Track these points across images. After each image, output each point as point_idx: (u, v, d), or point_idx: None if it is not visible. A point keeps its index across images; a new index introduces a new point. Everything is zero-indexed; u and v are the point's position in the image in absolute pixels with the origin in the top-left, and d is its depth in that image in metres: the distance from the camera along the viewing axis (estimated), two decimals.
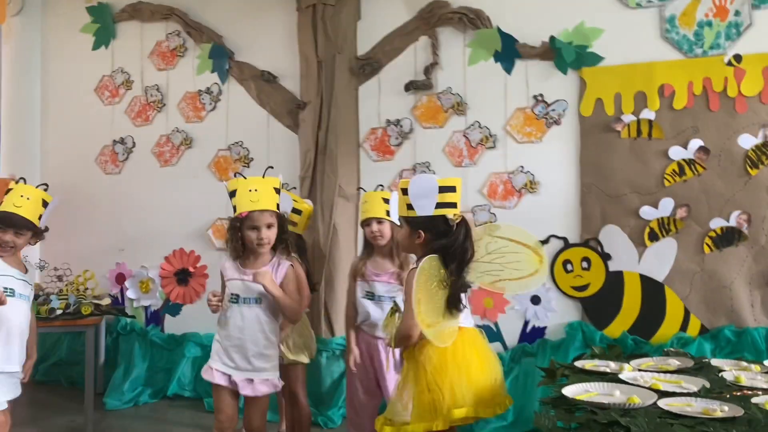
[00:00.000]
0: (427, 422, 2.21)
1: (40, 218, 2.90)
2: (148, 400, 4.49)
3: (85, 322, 4.06)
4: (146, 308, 4.80)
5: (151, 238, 4.83)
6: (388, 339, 2.44)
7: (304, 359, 3.31)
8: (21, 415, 3.59)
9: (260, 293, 2.68)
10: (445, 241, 2.29)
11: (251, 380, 2.68)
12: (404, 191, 2.37)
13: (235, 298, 2.70)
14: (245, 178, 2.75)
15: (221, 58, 4.67)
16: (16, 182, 2.88)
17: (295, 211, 3.37)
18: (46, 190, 2.90)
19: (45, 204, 2.91)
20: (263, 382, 2.69)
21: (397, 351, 2.86)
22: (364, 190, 3.33)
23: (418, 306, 2.13)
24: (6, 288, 2.75)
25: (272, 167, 2.98)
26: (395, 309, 2.43)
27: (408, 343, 2.26)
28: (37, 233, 2.91)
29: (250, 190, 2.68)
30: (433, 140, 4.20)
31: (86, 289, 4.60)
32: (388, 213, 3.08)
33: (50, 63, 5.24)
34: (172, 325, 4.72)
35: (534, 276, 2.55)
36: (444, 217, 2.32)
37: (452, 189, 2.33)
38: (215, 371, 2.71)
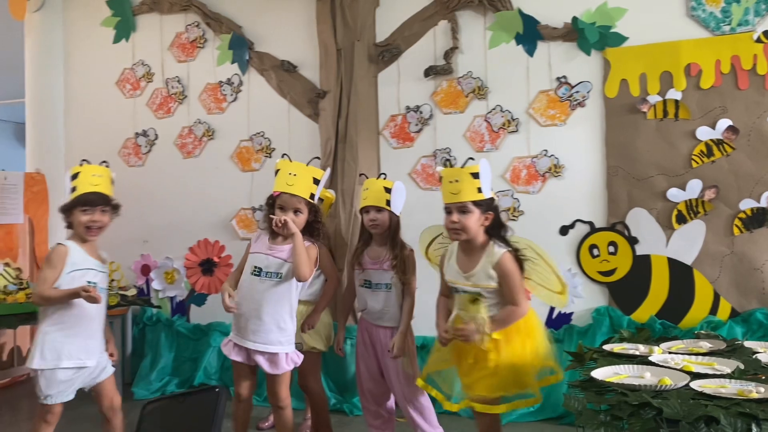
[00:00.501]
0: (531, 386, 2.51)
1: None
2: (175, 390, 4.53)
3: (112, 312, 4.10)
4: (172, 299, 4.84)
5: (176, 229, 4.86)
6: (478, 327, 2.45)
7: (321, 347, 3.32)
8: None
9: (281, 270, 2.77)
10: (499, 220, 2.59)
11: (268, 354, 2.74)
12: (474, 175, 2.51)
13: (258, 271, 2.78)
14: (291, 161, 2.88)
15: (241, 49, 4.67)
16: (80, 165, 2.89)
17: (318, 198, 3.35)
18: (107, 167, 2.97)
19: (112, 181, 3.00)
20: (281, 357, 2.77)
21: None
22: (366, 177, 3.30)
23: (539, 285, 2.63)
24: (90, 282, 2.70)
25: (287, 155, 2.99)
26: (476, 297, 2.50)
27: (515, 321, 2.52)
28: (115, 209, 2.96)
29: (289, 174, 2.82)
30: (454, 125, 4.16)
31: (112, 280, 4.65)
32: (388, 203, 3.05)
33: (72, 57, 5.28)
34: (197, 315, 4.75)
35: (555, 295, 2.67)
36: (493, 198, 2.62)
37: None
38: (233, 345, 2.81)
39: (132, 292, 4.44)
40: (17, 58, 5.39)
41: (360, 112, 4.26)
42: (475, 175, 2.54)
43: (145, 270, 4.90)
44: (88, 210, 2.76)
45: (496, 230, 2.60)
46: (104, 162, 2.98)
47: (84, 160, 2.96)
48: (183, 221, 4.84)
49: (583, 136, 3.90)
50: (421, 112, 4.23)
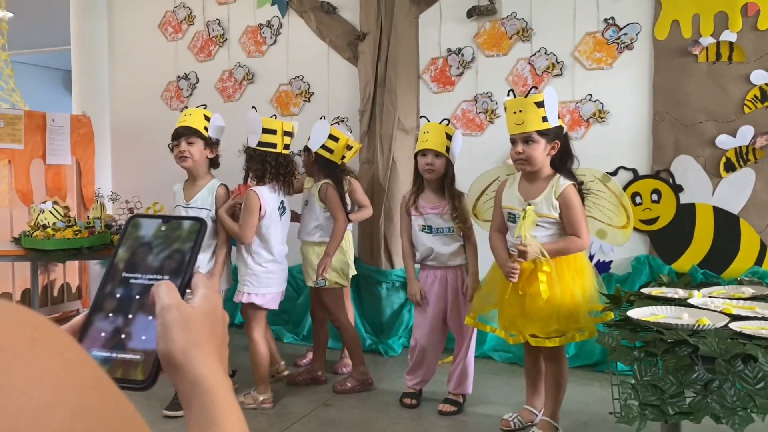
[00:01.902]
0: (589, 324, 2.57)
1: (206, 130, 3.30)
2: None
3: None
4: None
5: (216, 172, 4.91)
6: (525, 244, 2.52)
7: (344, 282, 3.38)
8: None
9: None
10: (565, 149, 2.61)
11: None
12: (539, 104, 2.53)
13: None
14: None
15: None
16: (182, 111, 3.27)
17: (332, 137, 3.34)
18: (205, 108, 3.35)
19: (207, 119, 3.31)
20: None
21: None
22: (428, 120, 3.24)
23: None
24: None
25: (255, 107, 3.56)
26: (529, 204, 2.58)
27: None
28: (208, 142, 3.28)
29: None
30: (496, 69, 4.07)
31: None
32: (447, 150, 3.02)
33: (115, 2, 5.31)
34: None
35: (617, 231, 2.67)
36: (561, 126, 2.62)
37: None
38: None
39: None
40: (63, 7, 5.45)
41: (400, 55, 4.19)
42: (540, 104, 2.53)
43: None
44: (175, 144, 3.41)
45: (564, 161, 2.62)
46: (202, 105, 3.49)
47: (185, 106, 3.21)
48: (224, 164, 4.88)
49: (630, 80, 3.78)
50: (462, 55, 4.15)
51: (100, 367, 0.31)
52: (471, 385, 3.16)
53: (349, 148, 3.49)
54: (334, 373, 3.67)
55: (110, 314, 0.59)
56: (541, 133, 2.55)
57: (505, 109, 2.66)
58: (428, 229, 3.09)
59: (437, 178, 3.05)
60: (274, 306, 3.23)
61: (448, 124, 3.11)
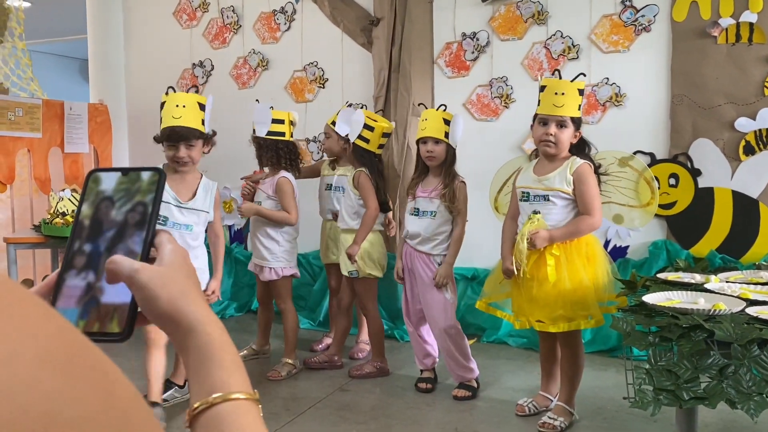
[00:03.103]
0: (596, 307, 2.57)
1: (203, 123, 2.77)
2: (234, 314, 4.72)
3: None
4: (230, 227, 4.98)
5: (232, 159, 4.94)
6: (530, 240, 2.55)
7: (377, 273, 3.39)
8: None
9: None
10: (583, 138, 2.66)
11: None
12: (581, 92, 2.59)
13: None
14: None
15: None
16: (166, 93, 2.76)
17: (367, 126, 3.35)
18: (197, 92, 2.77)
19: (202, 107, 2.79)
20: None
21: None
22: (426, 107, 3.26)
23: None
24: (162, 216, 2.53)
25: (258, 100, 3.47)
26: (536, 212, 2.59)
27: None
28: (206, 139, 2.79)
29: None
30: (512, 53, 4.03)
31: None
32: (446, 135, 3.02)
33: None
34: None
35: (638, 211, 2.69)
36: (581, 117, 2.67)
37: None
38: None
39: None
40: None
41: (414, 40, 4.17)
42: (581, 92, 2.57)
43: None
44: (171, 145, 2.89)
45: (581, 147, 2.66)
46: (193, 88, 3.35)
47: (170, 87, 2.96)
48: (239, 152, 4.90)
49: (647, 63, 3.73)
50: (477, 39, 4.11)
51: (64, 318, 0.31)
52: (474, 371, 3.13)
53: (384, 135, 3.48)
54: (350, 358, 3.70)
55: (81, 271, 0.60)
56: (573, 119, 2.59)
57: (542, 88, 2.64)
58: (416, 211, 3.14)
59: (439, 164, 3.06)
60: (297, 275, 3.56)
61: (445, 109, 3.10)
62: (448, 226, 3.08)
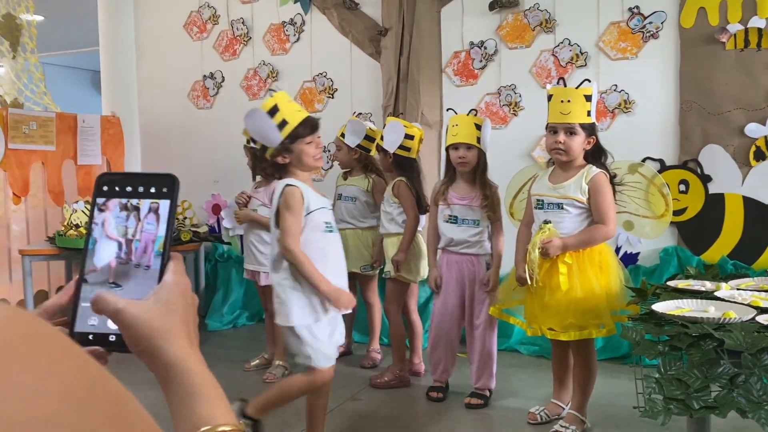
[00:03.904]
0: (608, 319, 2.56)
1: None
2: (246, 323, 4.75)
3: (185, 248, 4.30)
4: (241, 237, 5.01)
5: (244, 169, 4.96)
6: (539, 249, 2.55)
7: (409, 277, 3.43)
8: None
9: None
10: (599, 144, 2.64)
11: None
12: (588, 98, 2.57)
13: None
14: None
15: None
16: (269, 95, 2.80)
17: (408, 136, 3.38)
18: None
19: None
20: None
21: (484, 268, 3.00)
22: (455, 112, 3.25)
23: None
24: (326, 223, 2.38)
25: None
26: (547, 222, 2.59)
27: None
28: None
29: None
30: (520, 61, 4.05)
31: (185, 218, 4.85)
32: (478, 140, 3.03)
33: (142, 2, 5.39)
34: None
35: (652, 222, 2.67)
36: (595, 123, 2.66)
37: None
38: None
39: (203, 229, 4.63)
40: (91, 8, 5.54)
41: (422, 49, 4.19)
42: (588, 98, 2.56)
43: (216, 209, 5.08)
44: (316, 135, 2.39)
45: (597, 155, 2.65)
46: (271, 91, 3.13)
47: (270, 89, 3.01)
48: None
49: (656, 69, 3.73)
50: (485, 48, 4.13)
51: (86, 353, 0.33)
52: (494, 380, 3.15)
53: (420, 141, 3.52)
54: (361, 366, 3.72)
55: (96, 284, 0.61)
56: (583, 126, 2.57)
57: (549, 96, 2.65)
58: (453, 219, 3.11)
59: (471, 169, 3.07)
60: None
61: (476, 114, 3.11)
62: (487, 231, 3.11)
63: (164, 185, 0.63)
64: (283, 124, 2.30)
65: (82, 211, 4.05)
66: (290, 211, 2.27)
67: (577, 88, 2.58)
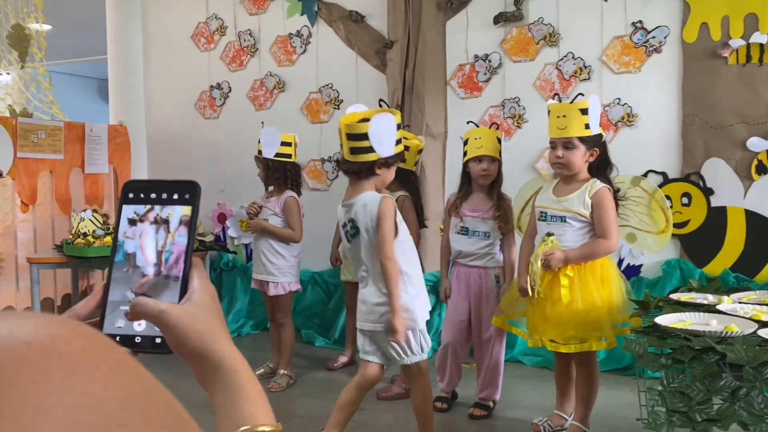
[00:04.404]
0: (609, 332, 2.59)
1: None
2: (250, 331, 4.78)
3: None
4: (246, 246, 5.05)
5: (249, 179, 5.01)
6: (541, 262, 2.58)
7: None
8: None
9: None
10: (604, 157, 2.66)
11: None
12: (584, 111, 2.58)
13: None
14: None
15: (310, 0, 4.71)
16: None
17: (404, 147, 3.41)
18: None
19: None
20: None
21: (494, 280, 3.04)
22: (476, 125, 3.29)
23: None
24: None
25: (263, 122, 3.59)
26: (550, 234, 2.61)
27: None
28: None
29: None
30: (524, 74, 4.09)
31: None
32: (499, 153, 3.09)
33: (149, 13, 5.46)
34: None
35: (653, 237, 2.69)
36: (601, 134, 2.67)
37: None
38: None
39: (209, 238, 4.67)
40: (98, 18, 5.61)
41: (427, 62, 4.24)
42: (584, 111, 2.58)
43: (222, 218, 5.12)
44: None
45: (602, 168, 2.67)
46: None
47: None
48: (256, 172, 5.00)
49: (659, 83, 3.77)
50: (489, 61, 4.18)
51: (140, 364, 0.36)
52: (499, 391, 3.18)
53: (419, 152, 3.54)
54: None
55: (123, 291, 0.64)
56: (581, 139, 2.59)
57: (548, 112, 2.70)
58: (464, 230, 3.15)
59: (491, 182, 3.12)
60: None
61: (497, 128, 3.18)
62: (498, 242, 3.14)
63: (187, 192, 0.66)
64: (398, 142, 2.45)
65: (90, 220, 4.09)
66: (390, 220, 2.41)
67: (571, 102, 2.61)
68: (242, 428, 0.57)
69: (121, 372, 0.34)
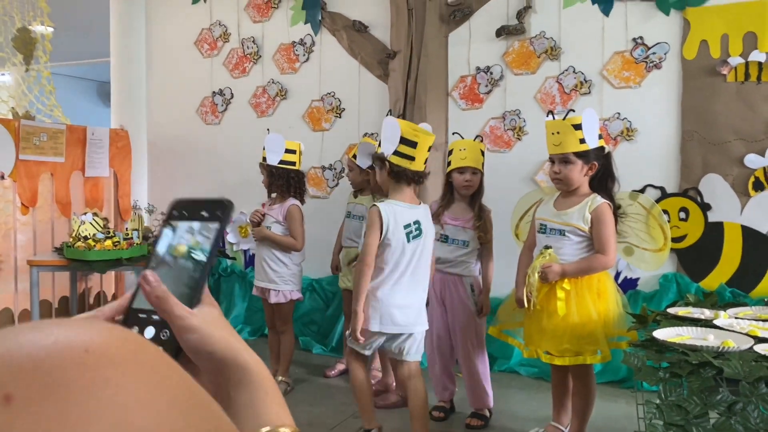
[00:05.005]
0: (604, 345, 2.62)
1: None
2: (248, 338, 4.79)
3: None
4: (245, 252, 5.07)
5: (249, 185, 5.04)
6: (538, 275, 2.61)
7: None
8: None
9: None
10: (605, 170, 2.67)
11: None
12: (576, 126, 2.60)
13: None
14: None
15: (314, 9, 4.75)
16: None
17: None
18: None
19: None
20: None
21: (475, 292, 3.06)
22: (461, 136, 3.34)
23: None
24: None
25: (269, 129, 3.56)
26: (548, 247, 2.64)
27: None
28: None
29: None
30: (525, 87, 4.13)
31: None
32: (482, 165, 3.13)
33: (153, 18, 5.49)
34: None
35: (651, 255, 2.71)
36: (602, 147, 2.67)
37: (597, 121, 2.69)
38: None
39: None
40: (102, 20, 5.64)
41: (430, 73, 4.28)
42: (577, 127, 2.60)
43: None
44: None
45: (603, 181, 2.69)
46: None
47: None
48: (256, 178, 5.00)
49: (658, 99, 3.81)
50: (491, 73, 4.22)
51: (181, 368, 0.39)
52: (490, 398, 3.20)
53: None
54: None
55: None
56: (578, 154, 2.61)
57: (546, 128, 2.74)
58: (444, 238, 3.20)
59: (473, 193, 3.17)
60: None
61: (482, 141, 3.21)
62: (476, 252, 3.18)
63: (219, 209, 0.69)
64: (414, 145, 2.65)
65: (90, 223, 4.10)
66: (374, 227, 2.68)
67: (564, 119, 2.64)
68: (265, 428, 0.59)
69: (167, 377, 0.37)
